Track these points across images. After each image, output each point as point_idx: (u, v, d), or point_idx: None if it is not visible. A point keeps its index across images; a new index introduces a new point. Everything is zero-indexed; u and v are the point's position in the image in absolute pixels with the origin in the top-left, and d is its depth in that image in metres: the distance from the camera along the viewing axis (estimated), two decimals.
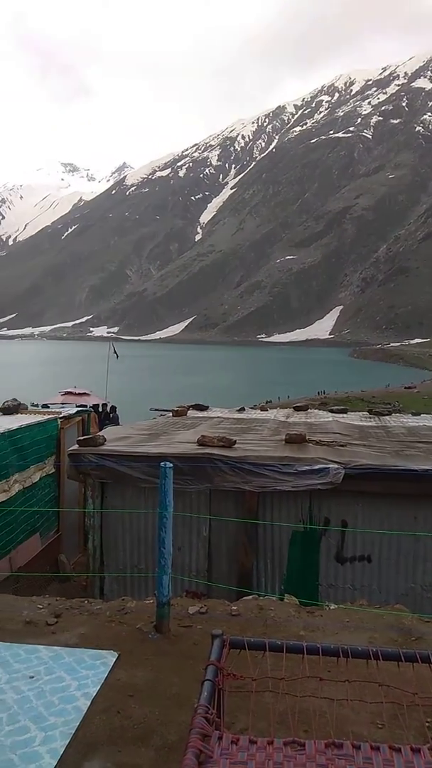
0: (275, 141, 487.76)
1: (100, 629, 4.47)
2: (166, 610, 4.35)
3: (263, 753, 2.13)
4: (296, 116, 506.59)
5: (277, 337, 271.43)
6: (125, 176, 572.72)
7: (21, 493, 9.04)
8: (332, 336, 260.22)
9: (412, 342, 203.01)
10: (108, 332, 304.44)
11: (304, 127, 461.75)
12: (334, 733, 2.63)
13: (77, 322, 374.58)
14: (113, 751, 3.10)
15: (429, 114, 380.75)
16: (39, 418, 10.28)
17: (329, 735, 2.57)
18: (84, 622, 4.61)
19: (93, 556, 7.16)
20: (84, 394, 21.37)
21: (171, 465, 4.33)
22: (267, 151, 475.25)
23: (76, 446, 7.44)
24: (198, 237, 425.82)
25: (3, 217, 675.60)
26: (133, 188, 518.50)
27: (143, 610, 4.77)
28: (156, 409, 13.35)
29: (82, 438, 7.78)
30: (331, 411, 11.38)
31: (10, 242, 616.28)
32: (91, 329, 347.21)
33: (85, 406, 14.83)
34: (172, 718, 3.42)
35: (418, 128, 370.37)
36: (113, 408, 20.84)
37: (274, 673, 2.60)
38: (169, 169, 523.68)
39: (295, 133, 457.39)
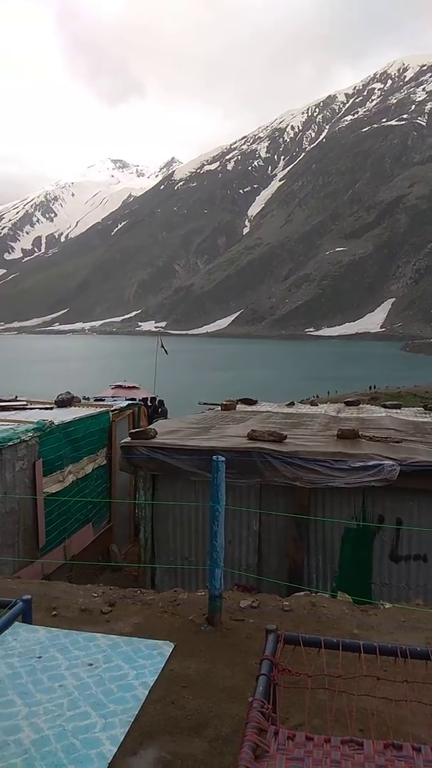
0: (325, 131, 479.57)
1: (154, 619, 4.54)
2: (219, 603, 4.37)
3: (320, 750, 2.11)
4: (347, 105, 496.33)
5: (326, 331, 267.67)
6: (174, 171, 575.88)
7: (75, 483, 9.28)
8: (383, 329, 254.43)
9: None
10: (156, 327, 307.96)
11: (356, 116, 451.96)
12: (392, 734, 2.58)
13: (126, 317, 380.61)
14: (168, 741, 3.14)
15: None
16: (91, 411, 10.50)
17: (387, 736, 2.53)
18: (137, 611, 4.69)
19: (144, 547, 7.27)
20: (133, 387, 21.72)
21: (223, 458, 4.33)
22: (317, 142, 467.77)
23: (127, 439, 7.55)
24: (246, 230, 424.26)
25: (56, 215, 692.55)
26: (181, 183, 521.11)
27: (195, 602, 4.81)
28: (204, 403, 13.41)
29: (133, 431, 7.90)
30: (384, 406, 11.12)
31: (62, 239, 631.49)
32: (140, 324, 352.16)
33: (135, 399, 15.08)
34: (225, 710, 3.43)
35: None
36: (161, 402, 21.10)
37: (330, 670, 2.57)
38: (218, 163, 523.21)
39: (346, 123, 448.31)
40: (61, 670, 2.62)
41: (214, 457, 4.34)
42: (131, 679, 2.53)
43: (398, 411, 10.75)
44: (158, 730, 3.20)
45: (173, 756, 3.05)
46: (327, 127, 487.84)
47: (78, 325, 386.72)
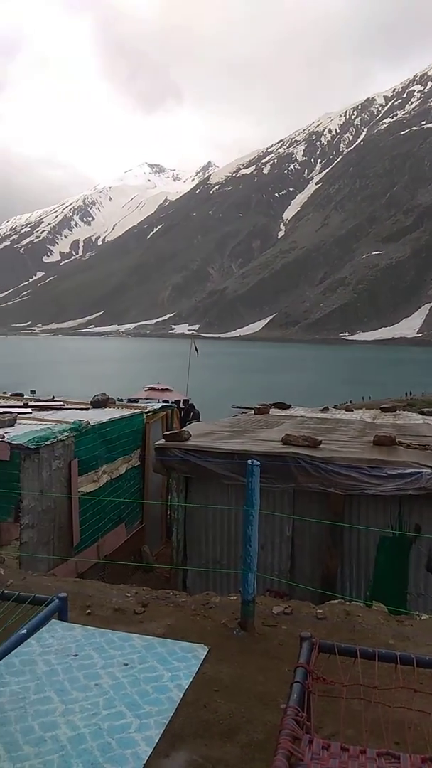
0: (363, 134, 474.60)
1: (186, 622, 4.55)
2: (251, 607, 4.35)
3: (356, 762, 2.08)
4: (386, 108, 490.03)
5: (361, 336, 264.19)
6: (210, 175, 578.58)
7: (109, 483, 9.39)
8: (420, 335, 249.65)
9: None
10: (189, 330, 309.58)
11: (395, 118, 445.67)
12: (430, 748, 2.52)
13: (160, 319, 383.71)
14: (200, 744, 3.15)
15: None
16: (126, 412, 10.61)
17: (424, 749, 2.48)
18: (170, 613, 4.72)
19: (177, 549, 7.30)
20: (166, 389, 21.86)
21: (258, 463, 4.32)
22: (354, 145, 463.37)
23: (162, 440, 7.60)
24: (281, 234, 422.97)
25: (93, 219, 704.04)
26: (216, 187, 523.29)
27: (227, 605, 4.80)
28: (238, 407, 13.40)
29: (168, 433, 7.95)
30: (422, 413, 10.92)
31: (99, 242, 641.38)
32: (173, 327, 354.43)
33: (168, 401, 15.16)
34: (257, 716, 3.42)
35: None
36: (192, 405, 21.15)
37: (365, 680, 2.54)
38: (254, 167, 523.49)
39: (384, 125, 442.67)
40: (96, 669, 2.65)
41: (249, 461, 4.33)
42: (166, 681, 2.53)
43: None
44: (190, 734, 3.20)
45: (205, 760, 3.05)
46: (365, 129, 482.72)
47: (113, 328, 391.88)
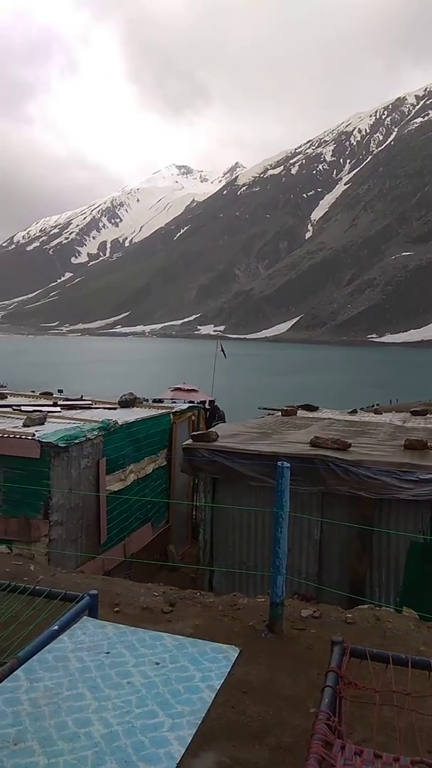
0: (394, 133, 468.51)
1: (213, 622, 4.55)
2: (280, 610, 4.32)
3: None
4: (417, 107, 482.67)
5: (389, 338, 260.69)
6: (237, 176, 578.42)
7: (135, 483, 9.45)
8: None
9: None
10: (214, 330, 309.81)
11: (426, 118, 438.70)
12: None
13: (185, 320, 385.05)
14: (228, 746, 3.14)
15: None
16: (153, 412, 10.67)
17: None
18: (197, 613, 4.72)
19: (203, 549, 7.30)
20: (192, 390, 21.92)
21: (288, 465, 4.29)
22: (385, 144, 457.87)
23: (189, 441, 7.62)
24: (308, 235, 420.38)
25: (121, 220, 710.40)
26: (244, 188, 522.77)
27: (255, 607, 4.79)
28: (265, 408, 13.34)
29: (196, 433, 7.96)
30: None
31: (126, 244, 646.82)
32: (199, 328, 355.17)
33: (193, 402, 15.19)
34: (285, 719, 3.39)
35: None
36: (217, 406, 21.14)
37: (397, 687, 2.49)
38: (281, 167, 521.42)
39: (416, 125, 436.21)
40: (128, 667, 2.66)
41: (279, 462, 4.31)
42: (197, 681, 2.53)
43: None
44: (219, 734, 3.19)
45: (233, 761, 3.04)
46: (395, 129, 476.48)
47: (139, 328, 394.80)
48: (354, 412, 11.71)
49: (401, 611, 4.96)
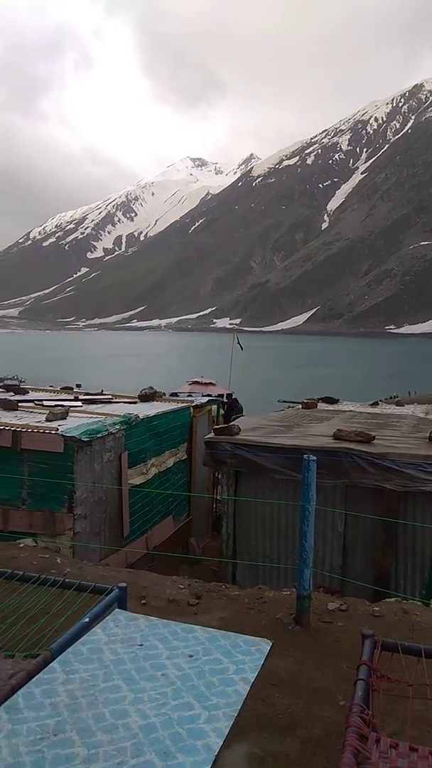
0: (411, 121, 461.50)
1: (240, 615, 4.56)
2: (307, 603, 4.32)
3: (426, 762, 2.03)
4: None
5: (407, 329, 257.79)
6: (252, 167, 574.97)
7: (157, 476, 9.50)
8: None
9: None
10: (230, 324, 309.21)
11: None
12: None
13: (201, 313, 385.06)
14: (259, 737, 3.15)
15: None
16: (174, 406, 10.69)
17: None
18: (224, 606, 4.73)
19: (226, 542, 7.32)
20: (210, 383, 21.95)
21: (314, 458, 4.27)
22: (402, 133, 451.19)
23: (212, 434, 7.63)
24: (324, 225, 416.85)
25: (136, 214, 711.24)
26: (259, 179, 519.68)
27: (281, 600, 4.79)
28: (284, 401, 13.30)
29: (218, 427, 7.97)
30: None
31: (142, 238, 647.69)
32: (214, 321, 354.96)
33: (211, 395, 15.20)
34: (315, 712, 3.40)
35: None
36: (236, 399, 21.13)
37: (430, 680, 2.48)
38: (297, 158, 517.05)
39: None
40: (162, 659, 2.67)
41: (306, 456, 4.29)
42: (231, 673, 2.53)
43: None
44: (250, 727, 3.21)
45: (265, 753, 3.05)
46: (413, 117, 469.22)
47: (154, 322, 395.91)
48: (375, 404, 11.63)
49: (429, 604, 4.93)
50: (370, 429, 7.47)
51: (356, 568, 6.51)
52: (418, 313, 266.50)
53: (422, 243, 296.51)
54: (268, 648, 2.87)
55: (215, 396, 15.12)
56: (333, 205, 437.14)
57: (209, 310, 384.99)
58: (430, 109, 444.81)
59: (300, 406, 11.62)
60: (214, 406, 12.50)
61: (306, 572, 4.29)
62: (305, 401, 11.51)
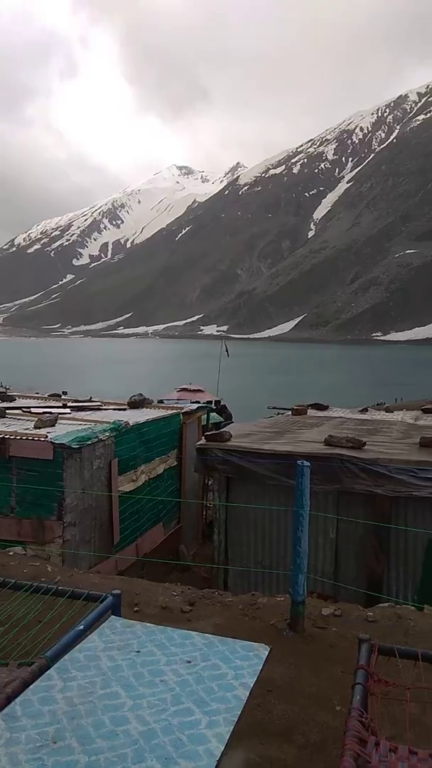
0: (396, 131, 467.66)
1: (234, 621, 4.55)
2: (301, 608, 4.32)
3: (426, 765, 2.04)
4: (420, 104, 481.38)
5: (394, 336, 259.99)
6: (238, 176, 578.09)
7: (147, 483, 9.46)
8: None
9: None
10: (217, 331, 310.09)
11: (429, 114, 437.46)
12: None
13: (188, 321, 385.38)
14: (256, 744, 3.14)
15: None
16: (163, 412, 10.67)
17: None
18: (217, 612, 4.71)
19: (218, 548, 7.30)
20: (198, 390, 21.94)
21: (308, 464, 4.28)
22: (387, 142, 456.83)
23: (203, 441, 7.61)
24: (311, 234, 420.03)
25: (122, 222, 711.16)
26: (245, 188, 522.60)
27: (275, 606, 4.78)
28: (274, 407, 13.33)
29: (209, 433, 7.95)
30: None
31: (128, 245, 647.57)
32: (201, 328, 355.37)
33: (199, 402, 15.17)
34: (312, 717, 3.39)
35: None
36: (224, 406, 21.13)
37: (427, 684, 2.49)
38: (283, 167, 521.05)
39: (418, 122, 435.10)
40: (160, 665, 2.65)
41: (299, 462, 4.30)
42: (230, 679, 2.52)
43: None
44: (246, 733, 3.19)
45: (262, 759, 3.04)
46: (398, 127, 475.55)
47: (141, 329, 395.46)
48: (365, 410, 11.69)
49: (422, 609, 4.95)
50: (361, 435, 7.51)
51: (349, 573, 6.52)
52: (404, 321, 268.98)
53: (408, 251, 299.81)
54: (267, 653, 2.86)
55: (204, 403, 15.10)
56: (319, 213, 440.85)
57: (196, 317, 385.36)
58: (414, 119, 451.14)
59: (290, 412, 11.64)
60: (204, 413, 12.50)
61: (300, 578, 4.29)
62: (295, 408, 11.54)
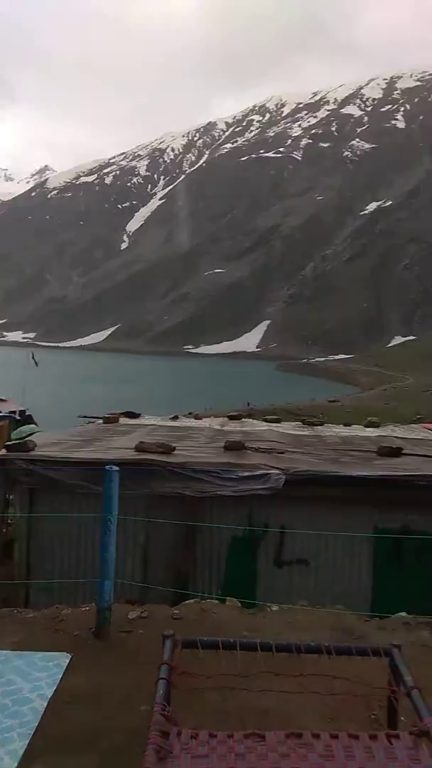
0: (205, 156, 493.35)
1: (35, 637, 4.28)
2: (107, 615, 4.23)
3: (224, 746, 2.13)
4: (227, 133, 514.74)
5: (204, 349, 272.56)
6: (47, 179, 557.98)
7: None
8: (259, 349, 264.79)
9: (336, 358, 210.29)
10: (23, 338, 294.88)
11: (235, 144, 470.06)
12: (293, 725, 2.66)
13: None
14: (54, 759, 2.98)
15: (357, 140, 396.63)
16: None
17: (288, 726, 2.62)
18: (15, 631, 4.40)
19: (19, 565, 6.85)
20: (1, 400, 20.66)
21: (117, 468, 4.24)
22: (197, 165, 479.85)
23: (3, 451, 7.12)
24: (124, 246, 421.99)
25: None
26: (55, 192, 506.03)
27: (80, 616, 4.63)
28: (85, 416, 13.03)
29: (11, 443, 7.46)
30: (266, 420, 11.61)
31: None
32: (5, 334, 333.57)
33: (1, 412, 14.25)
34: (117, 721, 3.33)
35: (346, 153, 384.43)
36: (29, 416, 20.15)
37: (228, 670, 2.62)
38: (95, 176, 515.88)
39: (225, 150, 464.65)
40: None
41: (107, 466, 4.24)
42: (26, 692, 2.38)
43: (279, 425, 11.27)
44: (44, 749, 3.02)
45: None
46: (207, 152, 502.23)
47: None
48: (176, 418, 12.02)
49: (224, 601, 5.19)
50: (171, 441, 7.70)
51: (157, 575, 6.59)
52: (213, 336, 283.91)
53: (216, 270, 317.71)
54: (67, 661, 2.74)
55: (7, 413, 14.20)
56: (132, 226, 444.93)
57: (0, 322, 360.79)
58: (222, 147, 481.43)
59: (101, 421, 11.49)
60: (6, 423, 11.73)
61: (107, 584, 4.20)
62: (106, 416, 11.42)
